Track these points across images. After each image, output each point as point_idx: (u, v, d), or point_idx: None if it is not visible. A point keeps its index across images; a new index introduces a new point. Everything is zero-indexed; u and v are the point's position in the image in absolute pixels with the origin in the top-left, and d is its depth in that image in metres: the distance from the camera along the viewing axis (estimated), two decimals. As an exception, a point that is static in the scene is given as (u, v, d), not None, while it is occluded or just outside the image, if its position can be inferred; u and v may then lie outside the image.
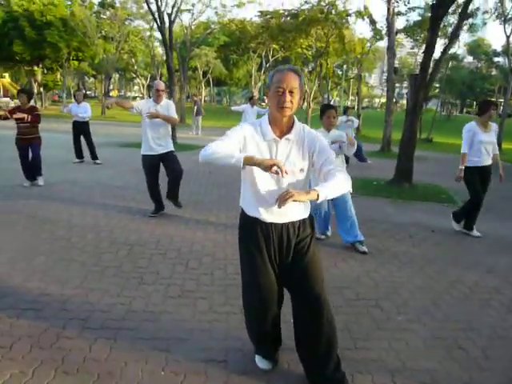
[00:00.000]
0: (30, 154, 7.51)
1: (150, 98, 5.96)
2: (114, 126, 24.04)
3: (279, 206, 2.04)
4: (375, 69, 67.16)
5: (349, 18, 29.96)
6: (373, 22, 26.32)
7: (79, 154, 10.45)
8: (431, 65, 8.96)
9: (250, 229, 2.42)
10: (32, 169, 7.58)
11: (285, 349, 2.79)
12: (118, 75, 67.74)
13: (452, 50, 31.06)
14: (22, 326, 3.01)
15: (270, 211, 2.35)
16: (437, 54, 9.57)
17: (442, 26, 20.91)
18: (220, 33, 49.40)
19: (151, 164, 5.82)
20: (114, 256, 4.39)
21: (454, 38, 9.18)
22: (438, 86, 39.68)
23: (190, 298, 3.53)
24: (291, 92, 2.20)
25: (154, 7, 15.25)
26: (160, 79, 45.45)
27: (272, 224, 2.38)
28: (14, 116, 7.08)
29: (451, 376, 2.72)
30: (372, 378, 2.64)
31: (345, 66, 57.45)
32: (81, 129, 10.41)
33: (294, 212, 2.38)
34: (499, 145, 20.47)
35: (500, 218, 7.11)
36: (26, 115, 7.10)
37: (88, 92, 74.84)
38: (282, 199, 2.01)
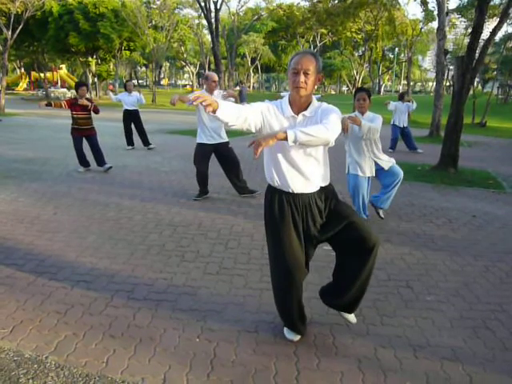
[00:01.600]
0: (86, 144, 7.92)
1: (200, 87, 6.27)
2: (164, 113, 24.68)
3: (255, 158, 2.28)
4: (429, 51, 64.81)
5: (400, -1, 29.12)
6: (424, 3, 25.39)
7: (130, 141, 10.95)
8: (480, 46, 8.67)
9: (278, 202, 2.58)
10: (96, 159, 8.00)
11: (311, 323, 2.96)
12: (168, 64, 69.15)
13: (509, 30, 29.48)
14: (75, 296, 3.34)
15: (296, 182, 2.54)
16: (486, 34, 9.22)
17: (494, 4, 19.98)
18: (268, 19, 49.25)
19: (205, 152, 6.11)
20: (158, 236, 4.69)
21: (504, 17, 8.80)
22: (495, 67, 37.83)
23: (227, 275, 3.76)
24: (306, 73, 2.39)
25: (200, -4, 15.54)
26: (209, 67, 46.08)
27: (299, 194, 2.56)
28: (80, 102, 7.53)
29: (474, 353, 2.79)
30: (394, 352, 2.76)
31: (396, 49, 55.89)
32: (131, 117, 10.90)
33: (318, 180, 2.58)
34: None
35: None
36: (89, 103, 7.58)
37: (140, 81, 76.82)
38: (255, 150, 2.24)
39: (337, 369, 2.57)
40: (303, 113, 2.48)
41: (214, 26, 15.20)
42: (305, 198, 2.57)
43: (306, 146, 2.44)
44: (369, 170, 5.16)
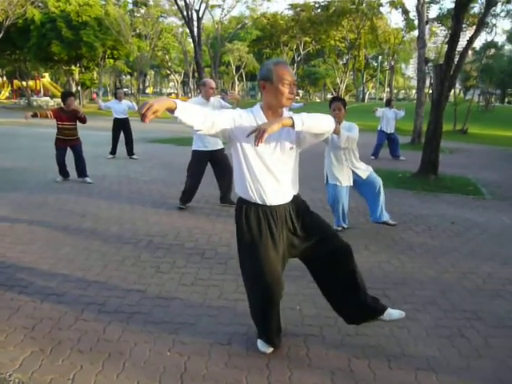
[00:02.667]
0: (70, 154, 7.76)
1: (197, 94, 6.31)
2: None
3: (257, 144, 2.21)
4: (411, 59, 65.71)
5: (381, 8, 29.53)
6: (405, 12, 25.79)
7: (115, 150, 10.82)
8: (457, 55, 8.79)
9: (254, 216, 2.51)
10: (78, 169, 7.83)
11: (286, 334, 2.91)
12: (153, 72, 69.06)
13: (489, 38, 30.07)
14: (44, 310, 3.25)
15: (272, 192, 2.49)
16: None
17: (474, 13, 20.32)
18: (252, 27, 49.51)
19: (202, 160, 6.07)
20: (134, 246, 4.61)
21: (480, 26, 8.95)
22: (475, 75, 38.48)
23: (202, 286, 3.70)
24: (294, 84, 2.40)
25: (182, 3, 15.54)
26: (193, 75, 46.05)
27: (276, 207, 2.52)
28: (72, 107, 7.50)
29: (449, 363, 2.77)
30: (368, 362, 2.73)
31: (380, 58, 56.57)
32: (122, 125, 10.80)
33: (292, 188, 2.57)
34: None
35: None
36: (79, 111, 7.61)
37: (125, 89, 76.52)
38: (260, 137, 2.18)
39: (309, 381, 2.52)
40: None
41: (196, 34, 15.24)
42: (281, 210, 2.54)
43: (297, 144, 2.49)
44: (347, 180, 5.16)
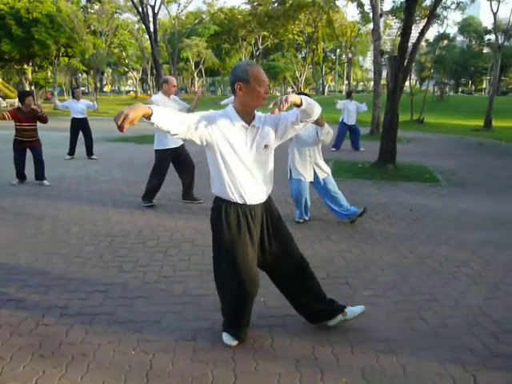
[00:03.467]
0: (30, 155, 7.53)
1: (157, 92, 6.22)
2: (107, 121, 24.02)
3: (280, 110, 2.33)
4: (369, 52, 66.92)
5: (337, 1, 29.91)
6: (360, 5, 26.22)
7: (73, 150, 10.54)
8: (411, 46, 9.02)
9: (234, 215, 2.56)
10: (37, 172, 7.57)
11: (251, 326, 2.94)
12: (110, 70, 67.55)
13: (441, 30, 30.99)
14: (3, 316, 3.16)
15: (251, 190, 2.55)
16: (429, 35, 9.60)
17: (426, 6, 20.87)
18: (210, 22, 49.19)
19: (166, 158, 6.06)
20: (95, 247, 4.53)
21: (431, 18, 9.23)
22: (430, 66, 39.61)
23: (166, 283, 3.69)
24: (267, 84, 2.48)
25: None
26: (151, 72, 45.37)
27: (253, 206, 2.59)
28: (31, 107, 7.26)
29: (408, 344, 2.87)
30: (332, 349, 2.79)
31: (338, 51, 57.32)
32: (81, 125, 10.51)
33: (268, 186, 2.65)
34: (489, 122, 20.59)
35: (479, 194, 7.26)
36: (40, 110, 7.37)
37: (82, 88, 74.53)
38: (282, 103, 2.31)
39: (274, 371, 2.56)
40: (253, 123, 2.52)
41: (152, 30, 15.01)
42: (258, 209, 2.62)
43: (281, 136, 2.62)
44: (310, 175, 5.21)
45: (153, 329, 2.99)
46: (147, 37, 42.48)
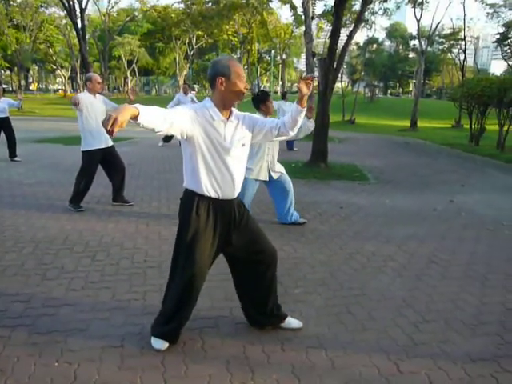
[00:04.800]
0: None
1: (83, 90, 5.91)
2: (33, 120, 22.85)
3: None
4: (303, 53, 68.30)
5: (271, 3, 30.27)
6: (293, 7, 26.72)
7: None
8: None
9: (205, 209, 2.58)
10: None
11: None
12: (36, 67, 64.27)
13: (370, 34, 32.28)
14: None
15: (225, 186, 2.59)
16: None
17: (356, 11, 21.64)
18: (143, 20, 48.11)
19: (94, 159, 5.81)
20: (17, 255, 4.27)
21: (358, 22, 9.58)
22: (360, 69, 41.17)
23: (93, 289, 3.54)
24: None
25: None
26: (81, 70, 43.61)
27: (225, 201, 2.63)
28: None
29: (337, 338, 2.95)
30: (263, 347, 2.81)
31: (273, 52, 58.06)
32: (1, 125, 9.87)
33: (238, 188, 2.70)
34: (415, 123, 21.72)
35: (405, 191, 7.63)
36: None
37: (4, 86, 70.32)
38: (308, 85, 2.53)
39: (205, 373, 2.54)
40: (231, 119, 2.57)
41: (80, 26, 14.43)
42: (229, 205, 2.65)
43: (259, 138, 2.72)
44: (263, 174, 5.04)
45: (78, 338, 2.86)
46: (76, 33, 41.00)
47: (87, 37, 28.43)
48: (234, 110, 2.62)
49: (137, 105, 2.16)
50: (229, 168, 2.58)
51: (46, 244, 4.57)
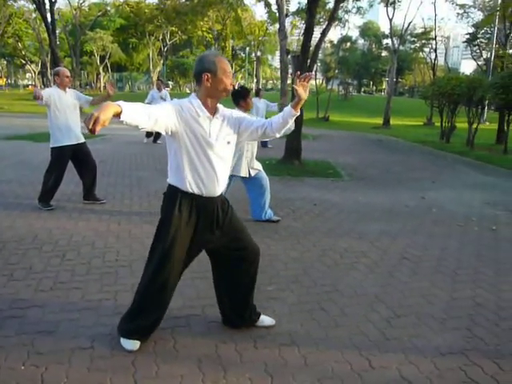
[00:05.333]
0: None
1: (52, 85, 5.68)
2: (0, 117, 22.25)
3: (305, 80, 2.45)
4: (277, 51, 68.41)
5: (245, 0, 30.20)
6: (268, 5, 26.71)
7: None
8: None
9: (187, 206, 2.56)
10: None
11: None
12: (5, 62, 62.58)
13: (343, 32, 32.56)
14: None
15: (209, 183, 2.56)
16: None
17: (329, 9, 21.80)
18: (116, 15, 47.35)
19: (64, 156, 5.67)
20: (-18, 255, 4.15)
21: (331, 20, 9.64)
22: (335, 66, 41.49)
23: (63, 290, 3.46)
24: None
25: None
26: (52, 66, 42.67)
27: (209, 198, 2.60)
28: None
29: (309, 335, 2.96)
30: (235, 346, 2.80)
31: (247, 49, 58.01)
32: None
33: (224, 182, 2.67)
34: (387, 121, 22.01)
35: (377, 188, 7.72)
36: None
37: (-29, 81, 68.16)
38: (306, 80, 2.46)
39: (176, 373, 2.51)
40: (216, 115, 2.55)
41: (50, 20, 14.09)
42: (212, 203, 2.62)
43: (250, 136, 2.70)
44: (243, 171, 5.06)
45: (46, 340, 2.79)
46: (46, 27, 40.04)
47: (58, 31, 27.85)
48: (220, 107, 2.59)
49: (120, 102, 2.12)
50: (213, 165, 2.55)
51: (13, 244, 4.44)
